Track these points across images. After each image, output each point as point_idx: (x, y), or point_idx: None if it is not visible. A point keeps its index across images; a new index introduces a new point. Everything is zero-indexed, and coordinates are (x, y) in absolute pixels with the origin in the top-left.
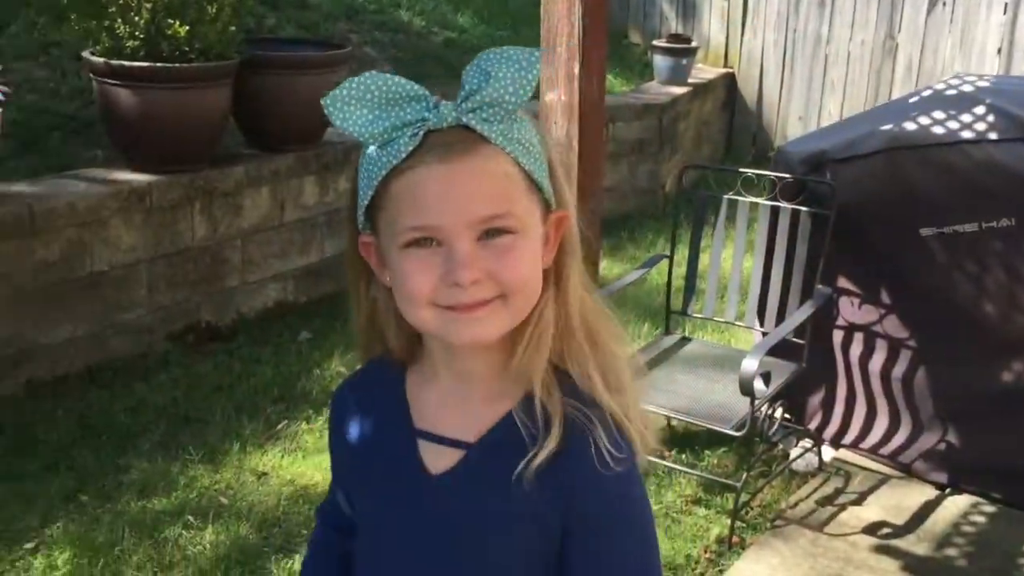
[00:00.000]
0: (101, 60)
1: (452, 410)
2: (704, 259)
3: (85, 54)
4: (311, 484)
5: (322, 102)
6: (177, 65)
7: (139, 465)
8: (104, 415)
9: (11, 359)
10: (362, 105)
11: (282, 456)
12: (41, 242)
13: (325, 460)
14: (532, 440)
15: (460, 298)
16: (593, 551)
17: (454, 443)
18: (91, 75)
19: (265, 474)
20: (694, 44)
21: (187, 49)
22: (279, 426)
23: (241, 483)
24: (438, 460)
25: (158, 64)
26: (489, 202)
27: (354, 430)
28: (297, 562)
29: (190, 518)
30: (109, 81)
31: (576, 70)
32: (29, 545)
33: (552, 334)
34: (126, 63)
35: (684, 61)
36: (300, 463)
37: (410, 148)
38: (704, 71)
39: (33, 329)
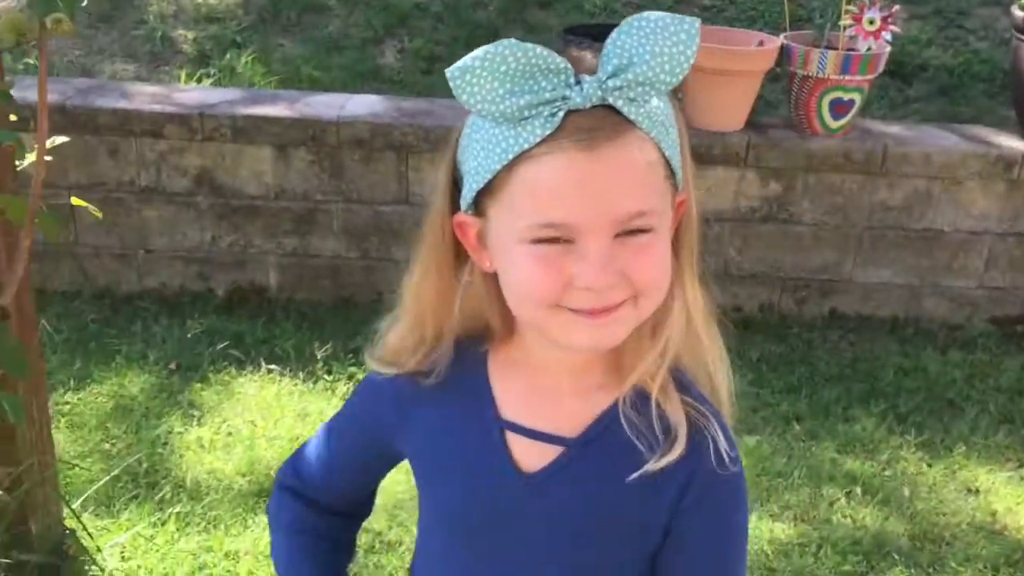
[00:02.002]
0: (1021, 15)
1: (543, 401)
2: None
3: (1014, 8)
4: None
5: (447, 73)
6: None
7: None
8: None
9: (820, 288)
10: (494, 78)
11: None
12: (886, 183)
13: None
14: (639, 438)
15: (590, 303)
16: (698, 554)
17: (549, 438)
18: (1014, 30)
19: None
20: None
21: None
22: None
23: None
24: (530, 456)
25: None
26: (632, 198)
27: (432, 412)
28: None
29: None
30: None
31: None
32: None
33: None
34: None
35: None
36: None
37: (547, 131)
38: None
39: (854, 265)
